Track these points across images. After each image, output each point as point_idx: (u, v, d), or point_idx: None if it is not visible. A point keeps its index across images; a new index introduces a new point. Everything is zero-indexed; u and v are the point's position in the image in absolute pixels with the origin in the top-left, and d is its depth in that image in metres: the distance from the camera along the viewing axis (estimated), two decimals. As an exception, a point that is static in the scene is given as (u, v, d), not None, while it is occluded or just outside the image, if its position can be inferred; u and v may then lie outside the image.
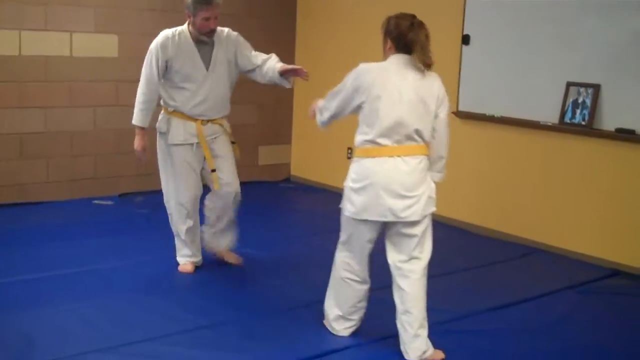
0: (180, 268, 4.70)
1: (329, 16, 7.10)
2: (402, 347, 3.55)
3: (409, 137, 3.45)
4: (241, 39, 4.58)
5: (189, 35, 4.42)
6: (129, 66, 6.49)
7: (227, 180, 4.58)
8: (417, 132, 3.46)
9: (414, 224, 3.49)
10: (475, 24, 5.77)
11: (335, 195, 6.59)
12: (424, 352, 3.52)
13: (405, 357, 3.53)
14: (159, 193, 6.63)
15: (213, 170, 4.50)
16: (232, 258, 4.83)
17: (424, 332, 3.53)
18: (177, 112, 4.50)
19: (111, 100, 6.47)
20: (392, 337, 3.67)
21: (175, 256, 4.78)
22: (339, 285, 3.74)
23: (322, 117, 3.72)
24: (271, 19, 7.20)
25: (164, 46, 4.40)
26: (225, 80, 4.54)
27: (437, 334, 3.64)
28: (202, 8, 4.28)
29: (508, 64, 5.60)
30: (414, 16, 3.52)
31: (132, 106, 6.49)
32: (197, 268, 4.72)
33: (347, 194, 3.57)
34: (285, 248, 5.32)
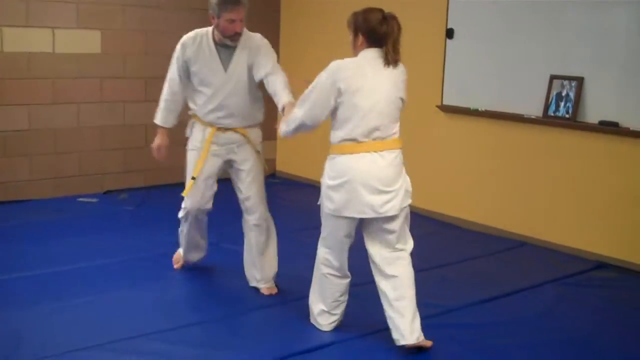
0: (174, 257, 4.71)
1: (313, 17, 7.09)
2: (396, 335, 3.54)
3: (386, 132, 3.47)
4: (264, 46, 4.17)
5: (212, 37, 4.16)
6: (113, 62, 6.48)
7: (246, 195, 4.29)
8: (394, 126, 3.49)
9: (392, 218, 3.51)
10: (459, 17, 5.78)
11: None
12: (420, 336, 3.53)
13: (402, 342, 3.52)
14: (143, 190, 6.67)
15: (193, 178, 4.22)
16: (265, 290, 4.36)
17: (418, 316, 3.56)
18: (196, 117, 4.28)
19: (95, 97, 6.43)
20: (376, 332, 3.71)
21: (159, 252, 4.78)
22: (321, 280, 3.75)
23: (287, 127, 3.64)
24: (254, 19, 7.17)
25: (184, 46, 4.24)
26: (247, 87, 4.16)
27: (424, 327, 3.63)
28: (227, 9, 3.99)
29: (492, 57, 5.61)
30: (381, 9, 3.52)
31: (116, 102, 6.54)
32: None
33: (325, 192, 3.57)
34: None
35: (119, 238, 5.27)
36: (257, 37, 4.21)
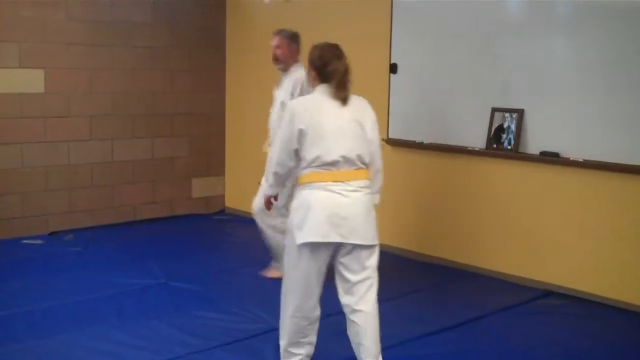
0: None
1: (258, 48, 7.13)
2: None
3: (350, 163, 3.47)
4: (297, 79, 4.94)
5: None
6: (56, 102, 6.40)
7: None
8: (359, 157, 3.49)
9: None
10: (402, 53, 5.88)
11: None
12: None
13: None
14: (89, 230, 6.56)
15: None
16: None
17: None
18: None
19: (39, 136, 6.33)
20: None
21: (107, 294, 4.68)
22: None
23: (267, 183, 3.72)
24: (199, 51, 7.20)
25: None
26: (277, 107, 5.00)
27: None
28: (272, 37, 5.13)
29: (435, 91, 5.71)
30: (337, 46, 3.57)
31: (60, 142, 6.45)
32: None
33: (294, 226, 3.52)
34: (221, 280, 5.28)
35: (66, 280, 5.16)
36: (301, 73, 4.91)
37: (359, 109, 3.57)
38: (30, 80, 6.24)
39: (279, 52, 5.07)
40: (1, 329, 4.23)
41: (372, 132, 3.59)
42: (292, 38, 5.11)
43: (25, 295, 4.80)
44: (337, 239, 3.44)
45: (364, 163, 3.52)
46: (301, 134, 3.45)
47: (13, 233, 6.25)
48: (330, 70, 3.51)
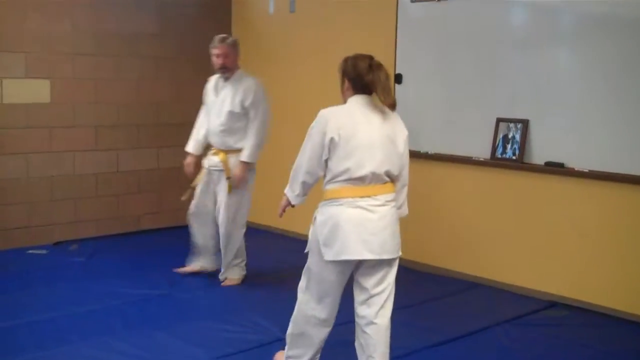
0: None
1: (264, 59, 7.15)
2: None
3: (378, 178, 3.42)
4: (250, 89, 5.12)
5: (218, 76, 5.30)
6: (62, 112, 6.42)
7: (219, 222, 5.27)
8: (387, 172, 3.44)
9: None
10: (407, 63, 5.89)
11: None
12: None
13: None
14: (94, 240, 6.57)
15: (192, 187, 5.36)
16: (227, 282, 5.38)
17: None
18: None
19: (44, 146, 6.35)
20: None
21: (111, 305, 4.68)
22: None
23: (293, 193, 3.58)
24: (205, 61, 7.22)
25: (209, 80, 5.40)
26: (224, 115, 5.11)
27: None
28: (213, 46, 5.16)
29: (439, 101, 5.72)
30: (371, 57, 3.51)
31: (65, 152, 6.47)
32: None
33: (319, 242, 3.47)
34: (225, 290, 5.28)
35: (70, 290, 5.16)
36: (250, 78, 5.20)
37: (392, 123, 3.50)
38: (36, 91, 6.26)
39: (227, 60, 5.13)
40: (6, 339, 4.24)
41: (404, 148, 3.53)
42: (235, 45, 5.22)
43: (30, 306, 4.80)
44: (368, 256, 3.41)
45: (390, 177, 3.48)
46: (332, 144, 3.37)
47: (18, 243, 6.26)
48: (370, 80, 3.43)
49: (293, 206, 3.68)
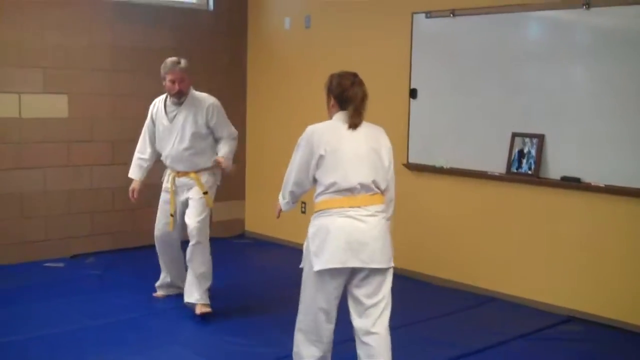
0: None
1: (279, 74, 7.19)
2: None
3: (367, 188, 3.49)
4: (213, 108, 4.95)
5: (165, 99, 5.04)
6: (80, 126, 6.48)
7: (188, 221, 4.95)
8: (374, 182, 3.51)
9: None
10: (421, 78, 5.91)
11: (290, 250, 6.62)
12: None
13: None
14: (110, 253, 6.61)
15: (171, 215, 5.04)
16: (198, 308, 4.90)
17: None
18: (165, 165, 5.14)
19: (62, 161, 6.41)
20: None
21: (128, 317, 4.71)
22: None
23: (283, 199, 3.73)
24: (221, 75, 7.27)
25: (153, 104, 5.13)
26: (188, 138, 4.90)
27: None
28: (167, 72, 4.86)
29: (455, 116, 5.73)
30: (355, 74, 3.60)
31: (83, 166, 6.53)
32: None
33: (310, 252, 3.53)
34: (240, 303, 5.28)
35: (86, 303, 5.19)
36: (205, 96, 5.00)
37: (375, 136, 3.60)
38: (54, 106, 6.33)
39: (183, 85, 4.87)
40: (22, 352, 4.26)
41: (389, 161, 3.61)
42: (188, 67, 4.95)
43: (46, 319, 4.82)
44: (357, 264, 3.45)
45: (379, 188, 3.54)
46: (320, 159, 3.48)
47: (35, 256, 6.31)
48: (348, 96, 3.54)
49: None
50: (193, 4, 7.24)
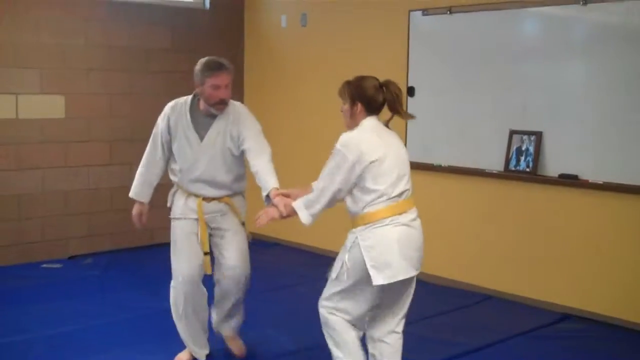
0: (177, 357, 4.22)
1: (276, 74, 7.18)
2: None
3: (409, 191, 3.46)
4: (245, 115, 4.01)
5: (189, 106, 4.01)
6: (77, 127, 6.47)
7: (232, 263, 4.05)
8: (411, 185, 3.49)
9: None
10: (419, 76, 5.90)
11: (291, 250, 6.61)
12: None
13: None
14: (108, 254, 6.60)
15: (206, 254, 4.01)
16: (235, 346, 4.29)
17: None
18: (180, 186, 4.10)
19: (59, 161, 6.41)
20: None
21: (126, 317, 4.68)
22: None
23: (310, 216, 3.44)
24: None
25: (166, 115, 4.06)
26: (226, 158, 3.96)
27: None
28: (211, 75, 3.85)
29: (452, 114, 5.72)
30: (375, 77, 3.48)
31: (80, 166, 6.52)
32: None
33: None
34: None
35: (85, 304, 5.19)
36: (237, 104, 4.03)
37: (398, 139, 3.53)
38: (51, 106, 6.32)
39: (229, 93, 3.92)
40: (21, 354, 4.26)
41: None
42: (233, 69, 4.04)
43: (44, 320, 4.82)
44: (413, 273, 3.45)
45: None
46: (367, 169, 3.31)
47: (33, 257, 6.31)
48: (382, 100, 3.42)
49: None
50: (189, 2, 7.23)
